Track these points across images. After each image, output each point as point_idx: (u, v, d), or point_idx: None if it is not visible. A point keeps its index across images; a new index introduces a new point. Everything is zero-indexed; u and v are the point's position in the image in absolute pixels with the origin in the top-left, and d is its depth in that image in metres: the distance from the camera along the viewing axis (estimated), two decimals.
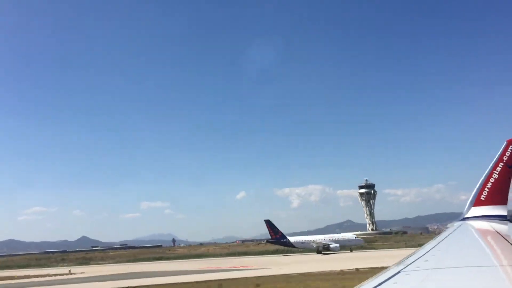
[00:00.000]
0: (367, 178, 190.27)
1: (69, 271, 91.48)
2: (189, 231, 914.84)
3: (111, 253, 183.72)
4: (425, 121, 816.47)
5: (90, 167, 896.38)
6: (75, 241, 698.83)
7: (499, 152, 11.68)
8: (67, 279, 73.96)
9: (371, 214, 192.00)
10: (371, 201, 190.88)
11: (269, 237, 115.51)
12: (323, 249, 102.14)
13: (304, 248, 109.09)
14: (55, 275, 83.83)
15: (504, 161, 11.56)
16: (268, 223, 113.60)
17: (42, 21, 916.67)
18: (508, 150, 11.57)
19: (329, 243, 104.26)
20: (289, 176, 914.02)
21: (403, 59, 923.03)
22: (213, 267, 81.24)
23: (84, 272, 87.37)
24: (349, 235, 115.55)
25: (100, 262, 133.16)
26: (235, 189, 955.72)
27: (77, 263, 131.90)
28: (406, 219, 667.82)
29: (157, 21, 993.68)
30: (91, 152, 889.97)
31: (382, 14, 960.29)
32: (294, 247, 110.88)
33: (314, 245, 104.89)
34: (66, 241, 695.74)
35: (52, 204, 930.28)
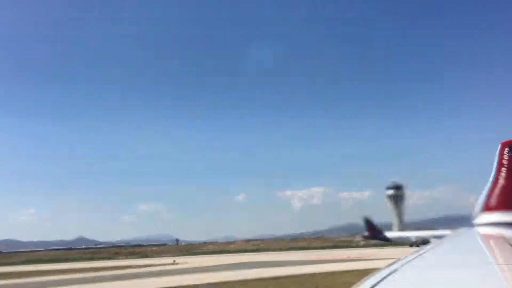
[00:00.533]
0: (395, 179, 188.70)
1: (174, 261, 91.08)
2: (186, 232, 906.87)
3: (154, 248, 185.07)
4: (425, 121, 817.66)
5: (85, 169, 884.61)
6: (72, 240, 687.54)
7: (496, 156, 11.70)
8: (194, 268, 72.57)
9: (400, 216, 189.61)
10: (401, 202, 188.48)
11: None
12: (421, 243, 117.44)
13: (402, 242, 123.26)
14: (164, 264, 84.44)
15: (505, 165, 11.56)
16: (366, 221, 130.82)
17: (43, 20, 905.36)
18: (505, 153, 11.62)
19: (428, 238, 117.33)
20: (291, 178, 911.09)
21: (404, 59, 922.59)
22: (315, 257, 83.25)
23: (187, 262, 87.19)
24: (449, 232, 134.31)
25: (163, 255, 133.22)
26: (235, 191, 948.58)
27: (138, 256, 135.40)
28: (410, 222, 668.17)
29: (158, 21, 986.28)
30: (87, 153, 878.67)
31: (385, 13, 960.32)
32: (390, 241, 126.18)
33: (414, 239, 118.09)
34: (63, 240, 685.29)
35: (46, 206, 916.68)
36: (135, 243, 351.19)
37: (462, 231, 10.74)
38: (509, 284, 3.85)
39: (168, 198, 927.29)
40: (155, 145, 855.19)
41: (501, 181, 11.47)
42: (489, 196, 11.59)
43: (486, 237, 8.94)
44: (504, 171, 11.52)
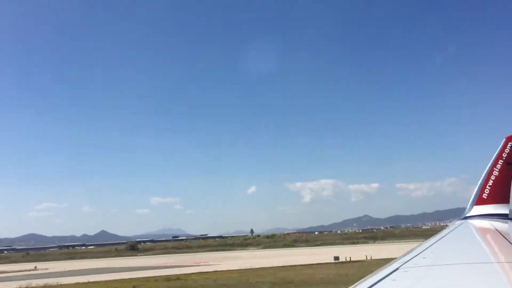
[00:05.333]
0: None
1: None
2: (197, 226, 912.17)
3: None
4: (432, 115, 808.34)
5: (99, 163, 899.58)
6: (94, 235, 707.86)
7: (498, 149, 11.60)
8: None
9: None
10: None
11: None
12: None
13: None
14: None
15: (504, 158, 11.47)
16: None
17: (48, 18, 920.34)
18: (508, 146, 11.49)
19: None
20: (301, 170, 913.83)
21: (408, 55, 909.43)
22: None
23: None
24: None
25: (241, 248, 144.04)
26: (246, 184, 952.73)
27: (222, 249, 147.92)
28: (425, 213, 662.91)
29: (159, 21, 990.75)
30: (100, 148, 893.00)
31: (384, 12, 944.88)
32: None
33: None
34: (85, 235, 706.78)
35: (61, 200, 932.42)
36: (150, 237, 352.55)
37: (456, 224, 10.56)
38: (508, 280, 3.96)
39: (182, 194, 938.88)
40: (163, 141, 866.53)
41: (496, 174, 11.41)
42: (482, 188, 11.58)
43: (481, 231, 9.02)
44: (500, 164, 11.44)
